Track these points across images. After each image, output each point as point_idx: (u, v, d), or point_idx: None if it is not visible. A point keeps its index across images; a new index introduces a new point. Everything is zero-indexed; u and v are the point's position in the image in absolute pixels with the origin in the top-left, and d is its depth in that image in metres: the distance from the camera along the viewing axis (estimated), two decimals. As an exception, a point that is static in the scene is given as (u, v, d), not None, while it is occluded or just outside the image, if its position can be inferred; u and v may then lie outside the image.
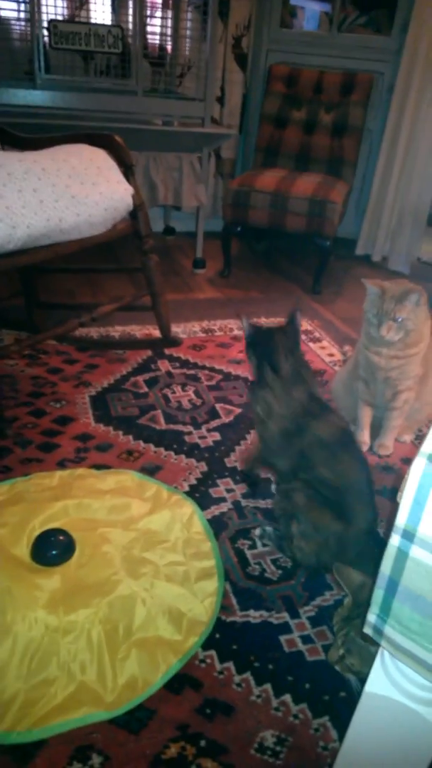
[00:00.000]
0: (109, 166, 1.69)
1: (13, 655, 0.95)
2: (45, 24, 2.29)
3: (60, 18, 2.44)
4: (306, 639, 1.04)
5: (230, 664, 0.99)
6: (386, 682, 0.62)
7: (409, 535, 0.51)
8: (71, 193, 1.53)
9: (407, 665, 0.57)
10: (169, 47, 2.98)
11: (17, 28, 2.53)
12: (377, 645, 0.60)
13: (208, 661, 0.99)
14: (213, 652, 1.01)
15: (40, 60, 2.32)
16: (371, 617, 0.58)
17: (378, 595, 0.56)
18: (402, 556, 0.52)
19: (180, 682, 0.95)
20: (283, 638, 1.04)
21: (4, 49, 2.57)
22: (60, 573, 1.09)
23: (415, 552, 0.51)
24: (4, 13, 2.60)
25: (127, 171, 1.79)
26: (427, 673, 0.55)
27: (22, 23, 2.46)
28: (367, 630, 0.58)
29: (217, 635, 1.04)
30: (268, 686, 0.96)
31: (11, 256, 1.45)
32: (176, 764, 0.84)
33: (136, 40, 2.42)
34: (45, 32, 2.30)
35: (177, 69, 2.97)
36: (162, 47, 2.99)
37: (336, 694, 0.95)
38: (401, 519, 0.51)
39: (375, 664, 0.64)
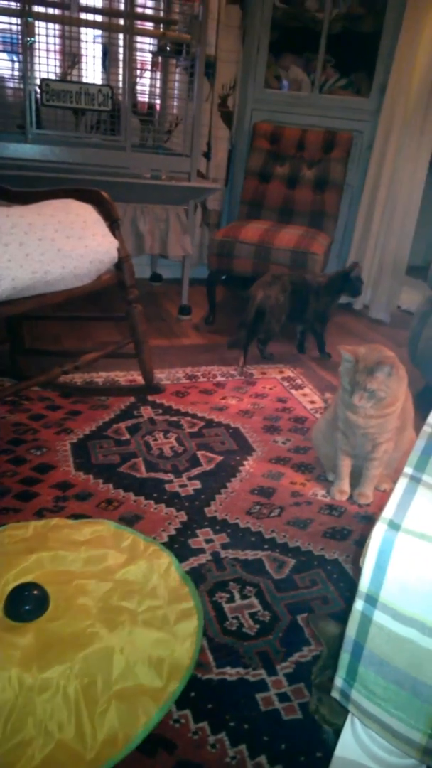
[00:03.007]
0: (95, 220, 1.74)
1: None
2: (37, 81, 2.39)
3: (52, 76, 2.55)
4: (283, 697, 1.03)
5: (205, 724, 0.97)
6: (355, 747, 0.62)
7: (371, 600, 0.52)
8: (57, 246, 1.57)
9: (374, 731, 0.57)
10: (157, 105, 3.11)
11: (11, 84, 2.65)
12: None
13: (183, 721, 0.97)
14: (188, 712, 0.99)
15: (31, 116, 2.41)
16: (338, 681, 0.58)
17: (344, 659, 0.56)
18: (366, 620, 0.53)
19: (154, 744, 0.93)
20: (259, 696, 1.02)
21: (-1, 103, 2.67)
22: (34, 628, 1.07)
23: (378, 617, 0.52)
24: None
25: (113, 224, 1.84)
26: (393, 739, 0.55)
27: (16, 80, 2.57)
28: (335, 694, 0.58)
29: (193, 693, 1.02)
30: (243, 747, 0.94)
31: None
32: None
33: (125, 98, 2.53)
34: (37, 89, 2.40)
35: (165, 125, 3.09)
36: (151, 105, 3.11)
37: (312, 755, 0.93)
38: (364, 584, 0.52)
39: (345, 728, 0.63)
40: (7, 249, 1.44)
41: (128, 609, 1.13)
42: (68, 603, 1.13)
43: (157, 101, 3.10)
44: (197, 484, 1.60)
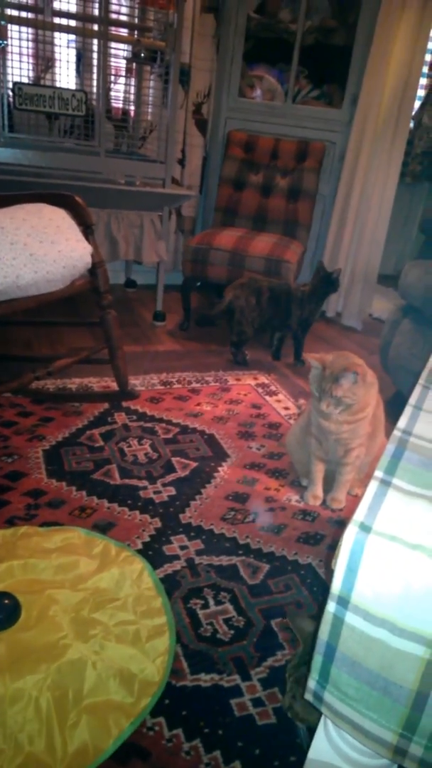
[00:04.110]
0: (68, 225, 1.73)
1: None
2: (10, 85, 2.37)
3: (25, 80, 2.53)
4: (257, 702, 1.03)
5: (179, 731, 0.97)
6: (328, 749, 0.63)
7: (343, 602, 0.53)
8: (29, 251, 1.56)
9: (346, 731, 0.58)
10: (132, 111, 3.11)
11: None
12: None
13: (157, 728, 0.97)
14: (162, 719, 0.98)
15: (4, 119, 2.39)
16: (311, 683, 0.58)
17: (317, 661, 0.57)
18: (338, 622, 0.54)
19: (127, 752, 0.93)
20: (233, 702, 1.02)
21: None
22: (5, 638, 1.06)
23: (350, 618, 0.53)
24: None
25: (87, 230, 1.83)
26: (365, 740, 0.56)
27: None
28: (308, 696, 0.59)
29: (167, 701, 1.01)
30: (217, 753, 0.94)
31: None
32: None
33: (99, 104, 2.52)
34: (9, 92, 2.38)
35: (139, 132, 3.09)
36: (125, 111, 3.12)
37: (286, 759, 0.94)
38: (336, 586, 0.53)
39: (318, 730, 0.64)
40: (-21, 253, 1.42)
41: (101, 622, 1.12)
42: (40, 613, 1.12)
43: (132, 107, 3.10)
44: (172, 491, 1.60)
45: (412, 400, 0.88)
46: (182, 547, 1.39)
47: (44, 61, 2.70)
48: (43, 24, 2.54)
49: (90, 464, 1.68)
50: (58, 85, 2.81)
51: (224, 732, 0.97)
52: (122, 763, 0.91)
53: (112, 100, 2.96)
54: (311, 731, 0.66)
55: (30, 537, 1.35)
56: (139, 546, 1.37)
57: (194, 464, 1.74)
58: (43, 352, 2.42)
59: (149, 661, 1.07)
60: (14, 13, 2.43)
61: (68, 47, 2.86)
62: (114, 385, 2.11)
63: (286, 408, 2.19)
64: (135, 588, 1.23)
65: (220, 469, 1.73)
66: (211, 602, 1.24)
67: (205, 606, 1.23)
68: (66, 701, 0.97)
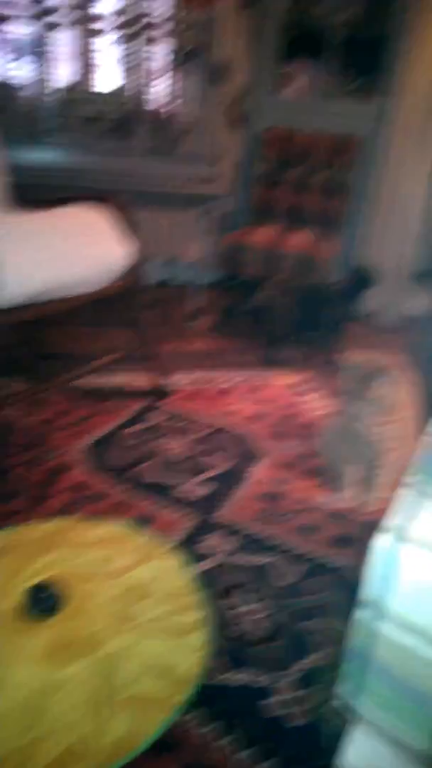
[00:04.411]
0: (108, 226, 1.78)
1: (8, 712, 0.96)
2: (54, 88, 2.43)
3: (69, 83, 2.58)
4: (287, 703, 1.05)
5: (211, 728, 1.00)
6: (358, 755, 0.65)
7: (376, 609, 0.56)
8: (70, 253, 1.61)
9: (376, 739, 0.60)
10: (171, 110, 3.14)
11: (28, 91, 2.68)
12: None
13: (191, 723, 1.00)
14: (194, 716, 1.02)
15: (48, 122, 2.45)
16: (342, 690, 0.61)
17: (348, 668, 0.60)
18: (369, 629, 0.56)
19: (162, 745, 0.96)
20: (264, 702, 1.05)
21: (17, 111, 2.71)
22: (47, 628, 1.11)
23: (382, 626, 0.56)
24: (18, 77, 2.74)
25: (126, 230, 1.88)
26: (396, 748, 0.58)
27: (33, 87, 2.60)
28: (337, 703, 0.62)
29: (199, 698, 1.05)
30: (250, 752, 0.97)
31: (7, 313, 1.52)
32: None
33: (139, 104, 2.56)
34: (56, 96, 2.43)
35: (178, 131, 3.12)
36: (164, 110, 3.14)
37: (315, 762, 0.96)
38: (368, 593, 0.56)
39: (348, 737, 0.67)
40: (21, 256, 1.48)
41: (138, 615, 1.17)
42: (80, 605, 1.17)
43: (171, 106, 3.13)
44: (206, 489, 1.64)
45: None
46: (216, 546, 1.43)
47: (86, 63, 2.74)
48: (85, 27, 2.59)
49: (128, 460, 1.73)
50: (100, 86, 2.86)
51: (255, 732, 1.00)
52: (156, 756, 0.95)
53: (152, 100, 2.99)
54: (341, 737, 0.68)
55: (71, 530, 1.41)
56: (175, 543, 1.42)
57: (228, 463, 1.77)
58: (82, 351, 2.49)
59: (185, 656, 1.11)
60: (58, 17, 2.48)
61: (110, 49, 2.90)
62: (150, 384, 2.16)
63: (320, 408, 2.20)
64: (172, 583, 1.27)
65: (253, 468, 1.76)
66: (244, 602, 1.27)
67: (238, 605, 1.26)
68: (103, 694, 1.02)
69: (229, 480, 1.69)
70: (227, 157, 3.38)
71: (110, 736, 0.96)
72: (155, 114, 3.07)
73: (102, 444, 1.81)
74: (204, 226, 3.09)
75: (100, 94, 2.41)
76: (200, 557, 1.38)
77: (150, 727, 0.98)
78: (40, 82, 2.37)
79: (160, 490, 1.62)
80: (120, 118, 2.47)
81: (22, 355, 2.15)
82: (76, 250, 1.65)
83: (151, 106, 3.00)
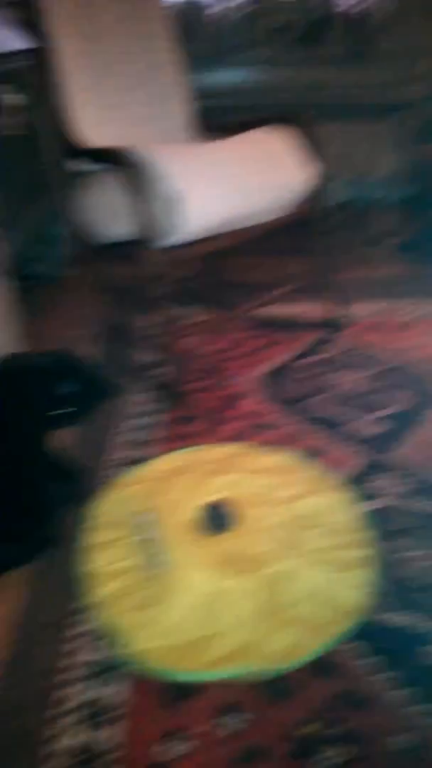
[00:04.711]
0: (291, 151, 1.70)
1: (185, 609, 1.08)
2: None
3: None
4: (455, 651, 1.02)
5: (370, 662, 1.01)
6: None
7: None
8: (251, 183, 1.58)
9: None
10: (363, 8, 2.81)
11: (216, 8, 2.59)
12: None
13: (349, 654, 1.02)
14: (354, 647, 1.03)
15: (235, 38, 2.36)
16: None
17: None
18: None
19: (319, 667, 1.00)
20: (425, 648, 1.02)
21: (203, 31, 2.66)
22: (218, 543, 1.21)
23: None
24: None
25: (312, 149, 1.78)
26: None
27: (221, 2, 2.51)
28: None
29: (360, 632, 1.06)
30: (405, 692, 0.96)
31: (189, 246, 1.56)
32: (308, 743, 0.90)
33: (328, 6, 2.34)
34: (242, 10, 2.33)
35: (370, 31, 2.80)
36: (355, 11, 2.82)
37: None
38: None
39: None
40: (205, 185, 1.49)
41: (306, 542, 1.20)
42: (250, 525, 1.24)
43: (363, 5, 2.80)
44: (380, 428, 1.58)
45: None
46: (387, 487, 1.38)
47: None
48: None
49: (303, 391, 1.74)
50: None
51: (416, 674, 0.98)
52: (312, 676, 0.99)
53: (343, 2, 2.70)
54: None
55: (244, 456, 1.47)
56: (345, 479, 1.41)
57: (410, 401, 1.68)
58: (261, 281, 2.49)
59: (347, 590, 1.12)
60: None
61: None
62: (332, 313, 2.09)
63: None
64: (339, 518, 1.28)
65: (435, 409, 1.64)
66: (411, 547, 1.22)
67: (409, 548, 1.22)
68: (267, 608, 1.08)
69: (405, 421, 1.61)
70: (428, 57, 2.96)
71: (274, 645, 1.02)
72: (346, 15, 2.77)
73: (276, 374, 1.83)
74: (397, 138, 2.79)
75: (287, 2, 2.24)
76: (369, 496, 1.35)
77: (309, 646, 1.02)
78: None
79: (331, 424, 1.60)
80: (308, 24, 2.28)
81: (202, 285, 2.23)
82: (258, 180, 1.62)
83: (341, 7, 2.71)
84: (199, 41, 2.59)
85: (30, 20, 1.69)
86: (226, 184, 1.55)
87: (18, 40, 2.01)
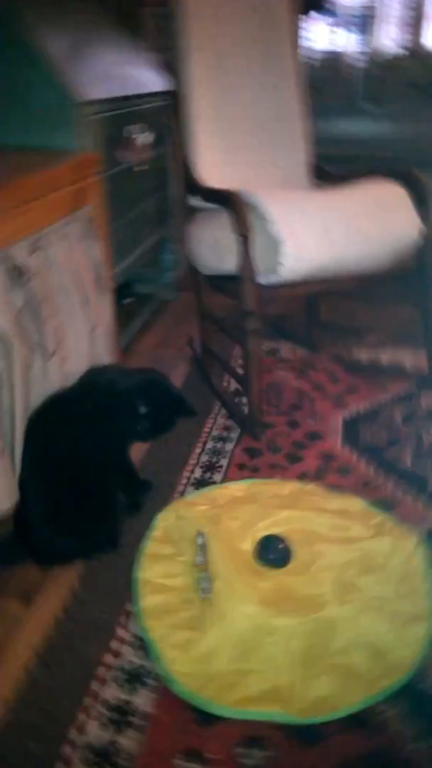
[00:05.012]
0: (400, 201, 1.70)
1: (224, 639, 1.06)
2: (370, 53, 2.38)
3: (391, 47, 2.50)
4: None
5: (409, 729, 0.95)
6: None
7: None
8: (360, 230, 1.59)
9: None
10: None
11: (353, 59, 2.68)
12: None
13: (391, 712, 0.97)
14: (399, 705, 0.98)
15: (368, 90, 2.42)
16: None
17: None
18: None
19: (358, 721, 0.96)
20: None
21: (337, 80, 2.75)
22: (272, 578, 1.19)
23: None
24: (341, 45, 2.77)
25: (422, 205, 1.77)
26: None
27: (359, 54, 2.59)
28: None
29: (408, 690, 1.00)
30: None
31: (295, 285, 1.59)
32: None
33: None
34: (378, 62, 2.39)
35: None
36: None
37: None
38: None
39: None
40: (311, 231, 1.52)
41: (362, 590, 1.15)
42: (307, 564, 1.21)
43: None
44: (464, 486, 1.50)
45: None
46: (462, 550, 1.30)
47: (412, 25, 2.61)
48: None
49: (384, 441, 1.69)
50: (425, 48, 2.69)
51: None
52: (349, 730, 0.95)
53: None
54: None
55: (314, 495, 1.45)
56: (417, 531, 1.34)
57: None
58: (363, 324, 2.47)
59: (402, 643, 1.06)
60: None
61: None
62: (422, 366, 2.03)
63: None
64: (404, 565, 1.22)
65: None
66: None
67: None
68: (312, 653, 1.04)
69: None
70: None
71: (313, 692, 0.99)
72: None
73: (358, 419, 1.80)
74: None
75: (422, 57, 2.27)
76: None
77: (352, 699, 0.98)
78: (364, 48, 2.34)
79: (412, 478, 1.54)
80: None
81: (298, 324, 2.25)
82: (366, 229, 1.62)
83: None
84: (332, 90, 2.68)
85: (172, 65, 1.85)
86: (332, 231, 1.57)
87: (159, 82, 2.20)
